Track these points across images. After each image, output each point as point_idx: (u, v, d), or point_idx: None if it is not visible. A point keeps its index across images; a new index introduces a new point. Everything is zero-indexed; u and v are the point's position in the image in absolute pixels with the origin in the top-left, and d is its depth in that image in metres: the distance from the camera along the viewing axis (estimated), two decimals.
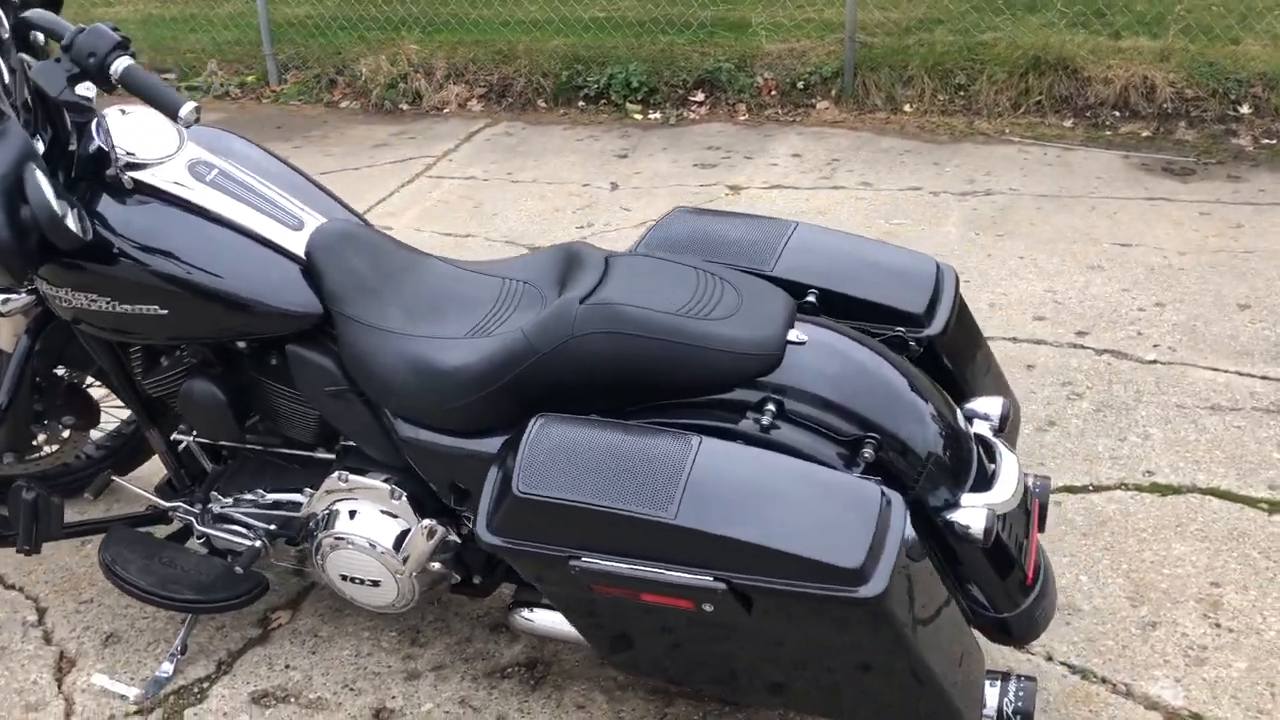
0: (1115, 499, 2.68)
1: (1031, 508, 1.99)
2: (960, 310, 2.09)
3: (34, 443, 2.57)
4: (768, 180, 4.78)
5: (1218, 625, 2.29)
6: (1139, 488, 2.71)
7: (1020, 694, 1.80)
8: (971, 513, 1.76)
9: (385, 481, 2.05)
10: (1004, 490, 1.82)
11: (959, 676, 1.70)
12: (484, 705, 2.15)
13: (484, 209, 4.60)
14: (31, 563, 2.57)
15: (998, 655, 2.21)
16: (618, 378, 1.80)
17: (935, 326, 2.00)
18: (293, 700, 2.19)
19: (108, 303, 1.95)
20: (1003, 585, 1.87)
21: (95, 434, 2.69)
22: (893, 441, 1.78)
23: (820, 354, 1.83)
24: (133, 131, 1.98)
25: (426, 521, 2.01)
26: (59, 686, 2.24)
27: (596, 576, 1.65)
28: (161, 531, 2.37)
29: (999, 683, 1.82)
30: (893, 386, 1.84)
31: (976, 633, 1.89)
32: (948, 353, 2.02)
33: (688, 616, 1.67)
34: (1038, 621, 1.92)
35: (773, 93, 5.73)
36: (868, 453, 1.75)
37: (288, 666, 2.27)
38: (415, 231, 4.39)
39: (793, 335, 1.83)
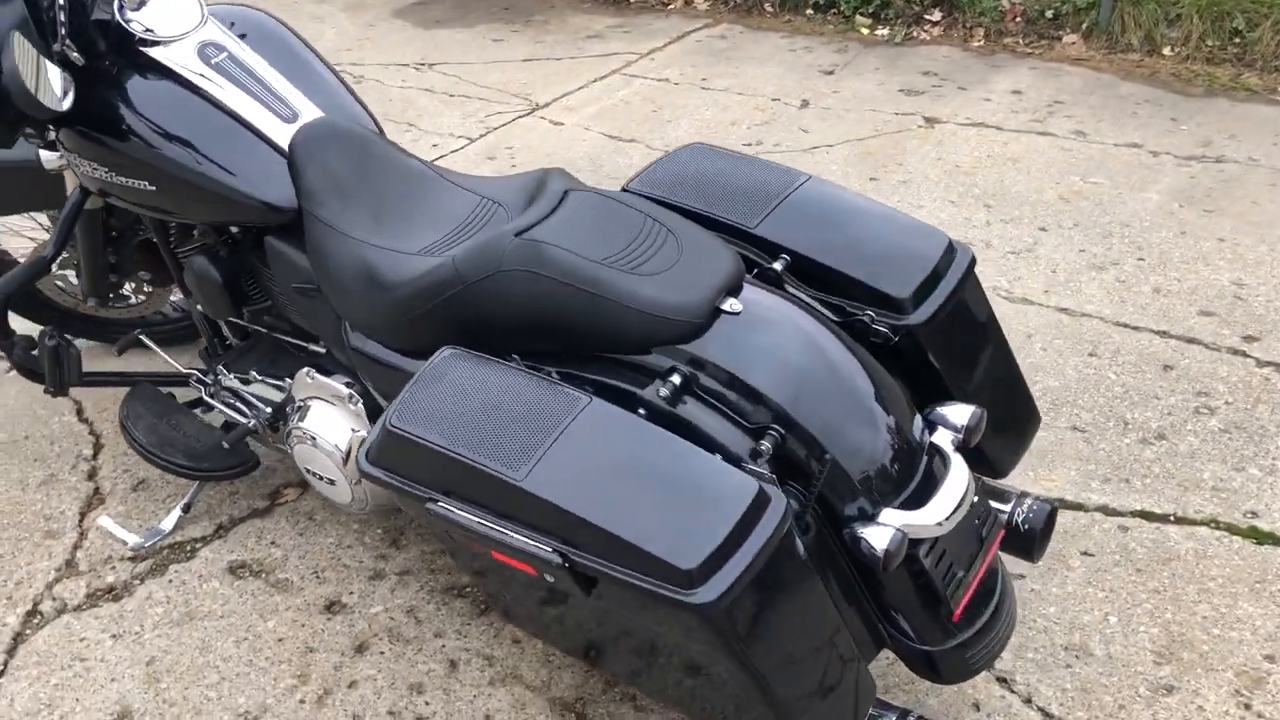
0: (1196, 536, 2.33)
1: (991, 535, 1.75)
2: (964, 301, 1.83)
3: (121, 292, 2.75)
4: (971, 117, 4.39)
5: (1247, 707, 1.96)
6: (1232, 529, 2.34)
7: None
8: (878, 531, 1.56)
9: (347, 386, 2.06)
10: (933, 513, 1.60)
11: (819, 710, 1.53)
12: (427, 619, 2.16)
13: (661, 114, 4.48)
14: (108, 401, 2.77)
15: (968, 684, 1.99)
16: (537, 321, 1.70)
17: (919, 315, 1.77)
18: (262, 577, 2.27)
19: (106, 172, 2.03)
20: (924, 616, 1.66)
21: None
22: (806, 438, 1.60)
23: (754, 328, 1.66)
24: (154, 7, 2.02)
25: (361, 432, 2.00)
26: (80, 520, 2.43)
27: (450, 524, 1.59)
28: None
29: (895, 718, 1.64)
30: (827, 376, 1.64)
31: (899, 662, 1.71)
32: (933, 347, 1.79)
33: (535, 582, 1.59)
34: (969, 663, 1.71)
35: (1017, 19, 5.22)
36: (765, 445, 1.58)
37: (273, 543, 2.36)
38: (583, 130, 4.34)
39: (729, 304, 1.67)
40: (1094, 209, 3.65)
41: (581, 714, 1.97)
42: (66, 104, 1.92)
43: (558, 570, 1.50)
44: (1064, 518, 2.37)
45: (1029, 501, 1.89)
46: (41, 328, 2.30)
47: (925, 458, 1.68)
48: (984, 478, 1.95)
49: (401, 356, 1.88)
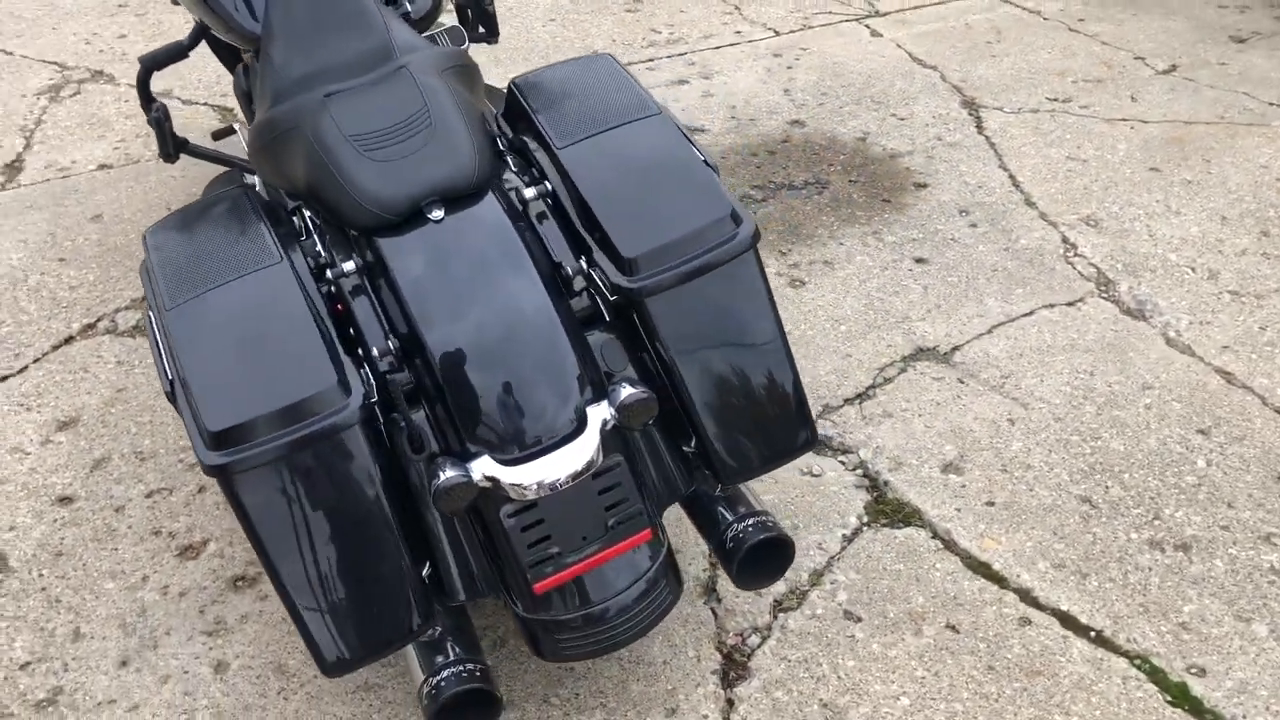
0: (1102, 665, 1.89)
1: (627, 530, 1.59)
2: (716, 282, 1.63)
3: None
4: None
5: None
6: (1156, 675, 1.88)
7: (441, 684, 1.57)
8: (450, 470, 1.50)
9: None
10: (523, 474, 1.51)
11: (336, 619, 1.54)
12: None
13: (993, 48, 4.04)
14: None
15: (680, 687, 1.85)
16: (306, 183, 1.79)
17: (639, 281, 1.61)
18: None
19: None
20: (510, 578, 1.59)
21: None
22: (425, 361, 1.57)
23: (440, 241, 1.63)
24: None
25: None
26: None
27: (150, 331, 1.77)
28: None
29: (447, 662, 1.60)
30: (484, 312, 1.57)
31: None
32: (655, 320, 1.62)
33: None
34: (561, 647, 1.61)
35: None
36: (375, 350, 1.58)
37: None
38: (893, 47, 4.04)
39: (433, 211, 1.64)
40: None
41: None
42: None
43: (168, 398, 1.64)
44: (969, 585, 2.03)
45: (751, 522, 1.69)
46: (156, 101, 2.73)
47: (572, 423, 1.56)
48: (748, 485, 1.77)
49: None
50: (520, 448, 1.54)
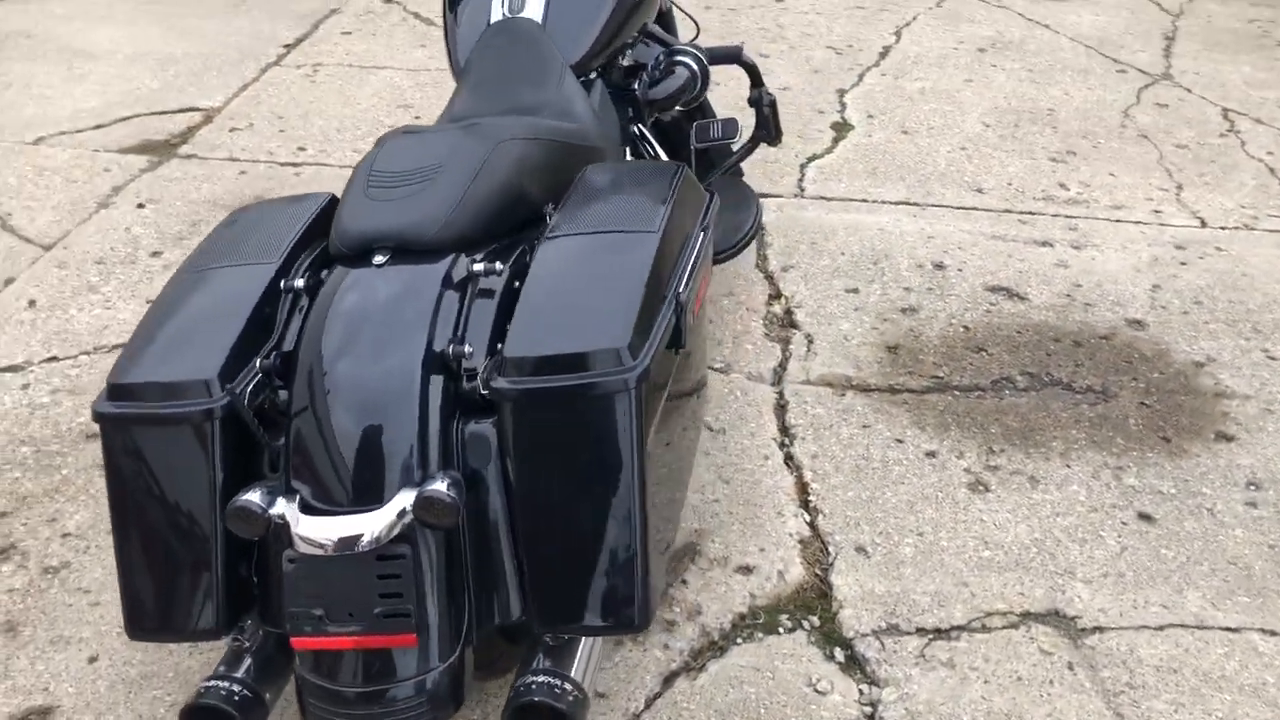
0: None
1: (391, 626, 1.50)
2: (579, 414, 1.49)
3: None
4: None
5: None
6: None
7: (200, 691, 1.60)
8: (250, 494, 1.52)
9: None
10: (303, 525, 1.49)
11: (143, 586, 1.63)
12: None
13: None
14: None
15: None
16: None
17: (502, 383, 1.51)
18: None
19: None
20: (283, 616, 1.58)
21: None
22: (290, 395, 1.60)
23: (369, 286, 1.65)
24: None
25: None
26: None
27: None
28: None
29: (224, 673, 1.63)
30: (359, 359, 1.57)
31: None
32: (512, 426, 1.52)
33: None
34: (310, 712, 1.57)
35: None
36: (257, 361, 1.63)
37: None
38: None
39: (376, 256, 1.67)
40: None
41: None
42: None
43: None
44: None
45: (544, 680, 1.53)
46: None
47: (373, 497, 1.51)
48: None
49: None
50: (319, 500, 1.52)
